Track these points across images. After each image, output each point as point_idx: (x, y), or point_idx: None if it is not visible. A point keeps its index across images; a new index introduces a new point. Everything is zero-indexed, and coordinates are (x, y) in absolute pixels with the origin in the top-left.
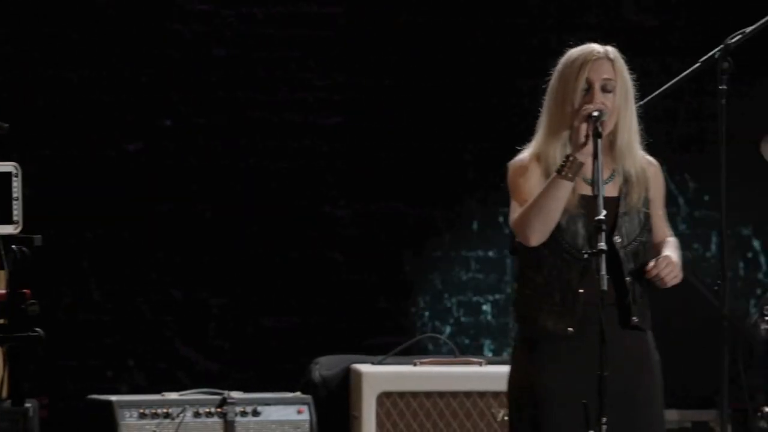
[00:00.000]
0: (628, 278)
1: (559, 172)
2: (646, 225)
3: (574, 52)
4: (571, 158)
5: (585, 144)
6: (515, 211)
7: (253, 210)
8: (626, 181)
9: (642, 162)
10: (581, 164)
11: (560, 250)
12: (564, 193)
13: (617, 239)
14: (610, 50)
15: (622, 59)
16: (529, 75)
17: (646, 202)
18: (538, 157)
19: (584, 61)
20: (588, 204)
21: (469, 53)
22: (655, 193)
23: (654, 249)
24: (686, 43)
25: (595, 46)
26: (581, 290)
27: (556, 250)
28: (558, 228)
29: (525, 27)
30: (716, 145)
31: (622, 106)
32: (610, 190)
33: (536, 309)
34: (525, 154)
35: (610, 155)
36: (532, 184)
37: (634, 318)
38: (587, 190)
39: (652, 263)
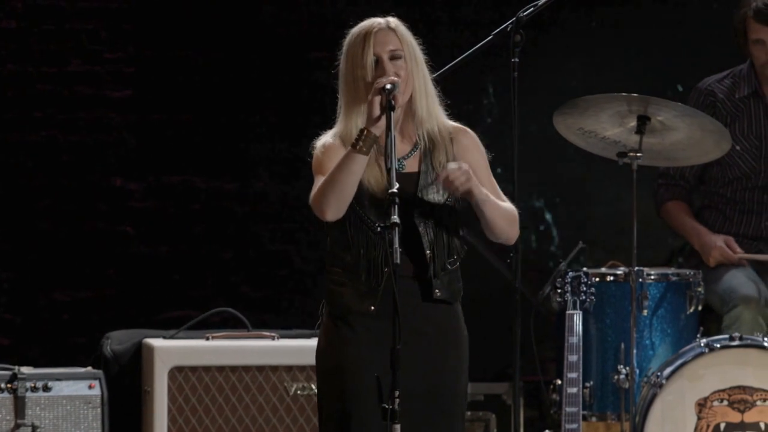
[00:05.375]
0: (428, 252)
1: (353, 146)
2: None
3: (355, 29)
4: (365, 132)
5: (379, 118)
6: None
7: (45, 183)
8: (429, 148)
9: (448, 128)
10: (375, 137)
11: (365, 229)
12: (358, 167)
13: (416, 213)
14: (391, 20)
15: (405, 26)
16: (321, 47)
17: None
18: (340, 136)
19: (366, 35)
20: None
21: (261, 25)
22: (472, 162)
23: None
24: (478, 16)
25: (376, 19)
26: (386, 269)
27: (361, 229)
28: (362, 206)
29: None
30: (508, 118)
31: (414, 72)
32: (411, 164)
33: (342, 286)
34: (328, 135)
35: (412, 124)
36: (335, 162)
37: (436, 291)
38: None
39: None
